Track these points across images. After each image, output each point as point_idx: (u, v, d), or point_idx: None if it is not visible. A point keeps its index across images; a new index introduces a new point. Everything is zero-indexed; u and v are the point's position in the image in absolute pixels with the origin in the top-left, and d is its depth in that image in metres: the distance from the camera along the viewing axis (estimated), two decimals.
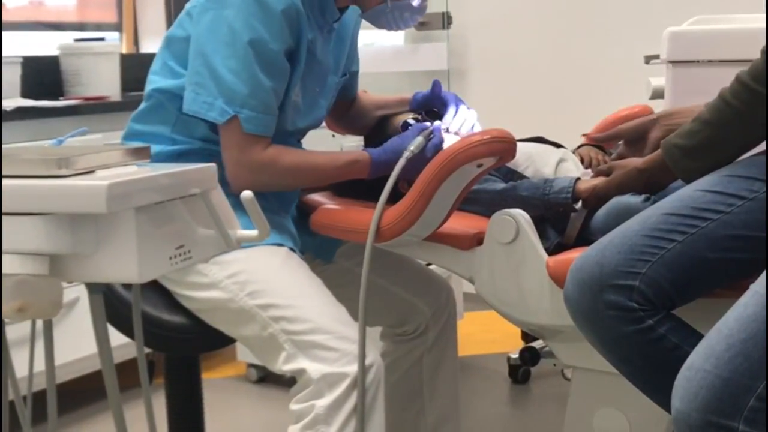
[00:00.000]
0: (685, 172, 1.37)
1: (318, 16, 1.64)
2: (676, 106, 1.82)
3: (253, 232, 1.22)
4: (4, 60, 2.66)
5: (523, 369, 2.81)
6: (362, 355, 1.46)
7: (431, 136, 1.59)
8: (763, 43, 1.30)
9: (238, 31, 1.52)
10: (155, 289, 1.62)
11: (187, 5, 1.65)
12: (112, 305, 1.47)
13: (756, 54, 1.32)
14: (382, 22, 1.71)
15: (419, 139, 1.58)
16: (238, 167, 1.57)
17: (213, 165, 1.20)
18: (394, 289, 1.81)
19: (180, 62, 1.62)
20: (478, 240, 1.55)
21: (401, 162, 1.54)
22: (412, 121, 1.76)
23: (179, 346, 1.67)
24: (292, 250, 1.61)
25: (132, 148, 1.16)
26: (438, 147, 1.59)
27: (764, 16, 1.42)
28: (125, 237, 1.04)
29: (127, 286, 1.61)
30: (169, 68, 1.64)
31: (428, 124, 1.66)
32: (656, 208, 1.33)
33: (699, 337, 1.21)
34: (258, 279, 1.52)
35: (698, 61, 1.93)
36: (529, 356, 2.75)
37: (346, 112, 1.90)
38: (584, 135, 1.80)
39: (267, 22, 1.53)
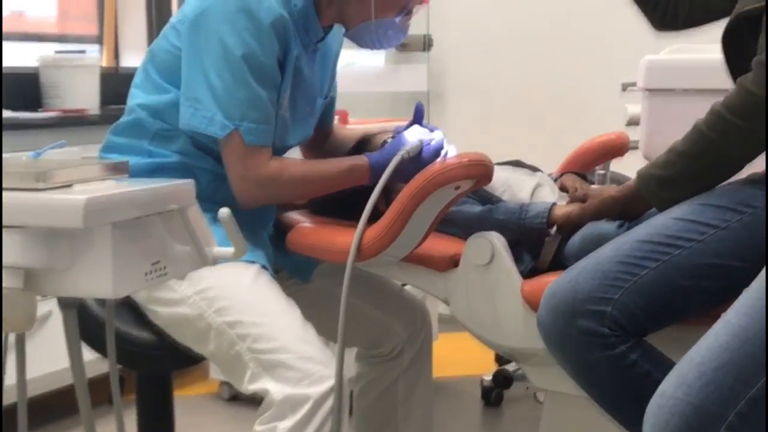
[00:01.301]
0: (660, 202, 1.38)
1: (302, 34, 1.65)
2: (652, 135, 1.85)
3: (230, 250, 1.22)
4: None
5: (496, 391, 2.81)
6: (340, 374, 1.45)
7: (428, 142, 1.59)
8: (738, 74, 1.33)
9: (231, 46, 1.53)
10: (126, 304, 1.61)
11: (173, 19, 1.65)
12: (83, 320, 1.46)
13: (731, 84, 1.34)
14: (366, 40, 1.72)
15: (415, 143, 1.58)
16: (244, 182, 1.58)
17: (191, 181, 1.20)
18: (370, 310, 1.80)
19: (164, 76, 1.63)
20: (454, 262, 1.56)
21: (395, 160, 1.54)
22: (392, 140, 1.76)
23: (150, 363, 1.66)
24: (264, 268, 1.61)
25: (110, 163, 1.16)
26: (437, 152, 1.59)
27: None
28: (101, 252, 1.03)
29: (100, 302, 1.60)
30: (152, 81, 1.64)
31: (424, 134, 1.65)
32: (630, 235, 1.34)
33: (670, 364, 1.22)
34: (227, 296, 1.52)
35: (674, 90, 1.96)
36: (503, 379, 2.76)
37: (324, 142, 1.89)
38: (568, 170, 1.81)
39: (258, 36, 1.54)
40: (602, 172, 1.70)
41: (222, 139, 1.56)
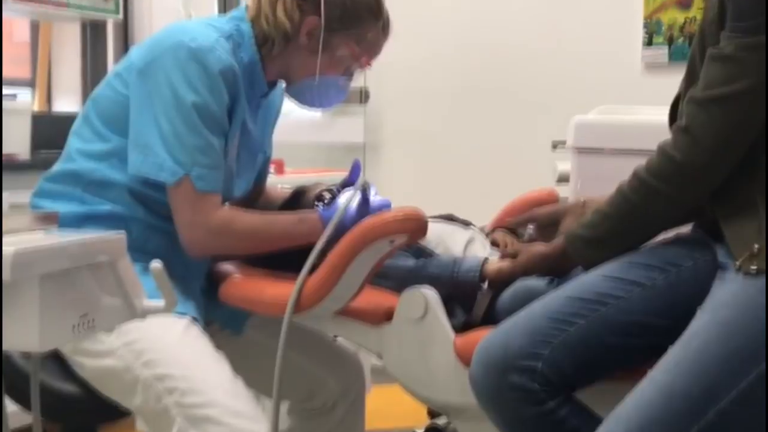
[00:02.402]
0: (585, 261, 1.41)
1: (247, 87, 1.65)
2: (582, 191, 1.89)
3: (160, 303, 1.21)
4: None
5: None
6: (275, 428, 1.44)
7: (364, 188, 1.60)
8: (663, 137, 1.38)
9: (181, 93, 1.53)
10: (50, 355, 1.56)
11: (118, 67, 1.65)
12: (5, 371, 1.42)
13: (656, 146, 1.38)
14: (307, 97, 1.73)
15: (355, 195, 1.60)
16: (192, 230, 1.56)
17: (122, 233, 1.18)
18: (303, 363, 1.79)
19: (106, 123, 1.61)
20: (387, 315, 1.56)
21: (341, 208, 1.54)
22: (326, 194, 1.77)
23: (75, 416, 1.62)
24: (195, 320, 1.59)
25: (40, 215, 1.14)
26: (379, 210, 1.59)
27: (665, 109, 1.50)
28: (28, 305, 1.01)
29: (25, 354, 1.56)
30: (93, 129, 1.63)
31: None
32: (559, 291, 1.37)
33: (598, 421, 1.24)
34: (155, 348, 1.50)
35: (602, 150, 2.02)
36: None
37: (256, 200, 1.88)
38: (499, 226, 1.84)
39: (208, 84, 1.54)
40: (532, 228, 1.73)
41: (171, 186, 1.55)
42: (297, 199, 1.82)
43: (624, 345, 1.32)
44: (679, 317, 1.27)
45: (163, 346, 1.50)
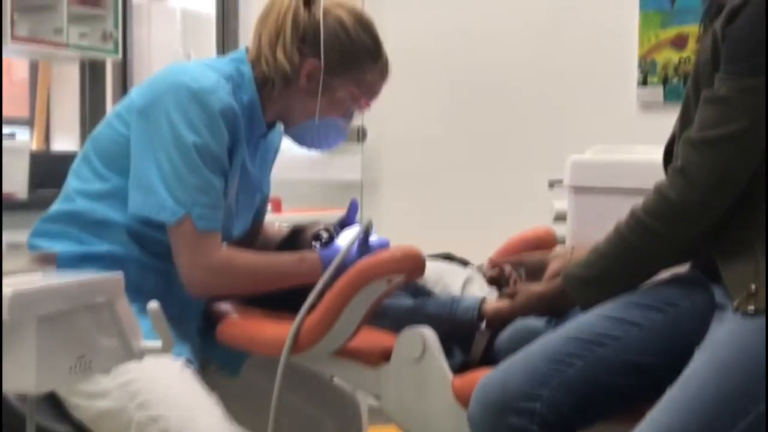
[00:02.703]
0: (583, 301, 1.42)
1: (247, 127, 1.66)
2: (579, 230, 1.89)
3: (157, 344, 1.21)
4: None
5: None
6: None
7: (368, 228, 1.60)
8: (660, 176, 1.39)
9: (182, 134, 1.54)
10: (45, 396, 1.55)
11: (119, 106, 1.66)
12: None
13: (653, 185, 1.39)
14: (306, 139, 1.74)
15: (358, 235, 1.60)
16: (193, 269, 1.56)
17: (120, 274, 1.18)
18: (300, 404, 1.78)
19: (106, 163, 1.62)
20: (385, 356, 1.56)
21: (345, 248, 1.55)
22: (324, 233, 1.77)
23: None
24: (189, 361, 1.58)
25: (38, 256, 1.15)
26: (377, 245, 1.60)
27: (661, 148, 1.51)
28: (25, 346, 1.01)
29: (21, 395, 1.55)
30: (93, 168, 1.63)
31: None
32: (558, 331, 1.37)
33: None
34: (150, 389, 1.49)
35: (599, 188, 2.02)
36: None
37: (255, 238, 1.88)
38: (494, 266, 1.85)
39: (209, 124, 1.55)
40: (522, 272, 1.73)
41: (172, 225, 1.55)
42: (295, 238, 1.83)
43: (622, 385, 1.32)
44: (677, 357, 1.27)
45: (157, 388, 1.49)
